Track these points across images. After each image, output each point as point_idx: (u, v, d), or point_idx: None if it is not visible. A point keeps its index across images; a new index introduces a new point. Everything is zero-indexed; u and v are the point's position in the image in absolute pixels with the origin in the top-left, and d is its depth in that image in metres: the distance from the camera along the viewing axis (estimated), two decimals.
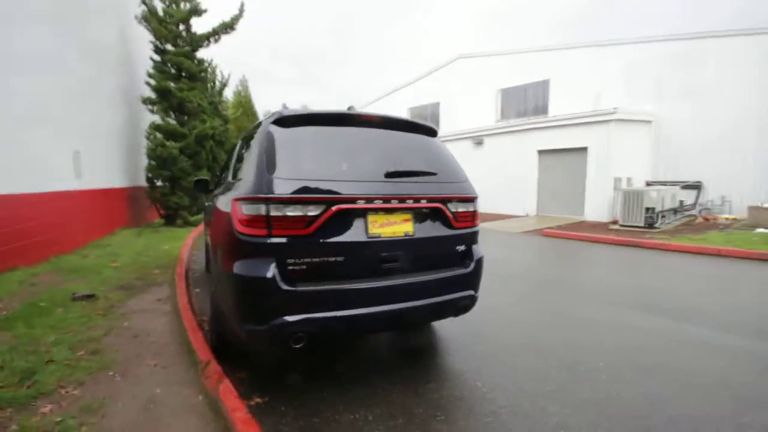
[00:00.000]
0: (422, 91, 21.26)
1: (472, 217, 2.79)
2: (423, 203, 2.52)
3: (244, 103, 30.15)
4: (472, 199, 2.78)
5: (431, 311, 2.55)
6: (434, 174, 2.63)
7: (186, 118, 9.54)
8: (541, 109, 16.94)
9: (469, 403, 2.36)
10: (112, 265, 5.67)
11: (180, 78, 9.34)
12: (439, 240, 2.62)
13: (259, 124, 2.79)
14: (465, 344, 3.23)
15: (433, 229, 2.59)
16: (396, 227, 2.43)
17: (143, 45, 9.78)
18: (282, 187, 2.17)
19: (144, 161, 9.43)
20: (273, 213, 2.15)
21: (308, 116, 2.52)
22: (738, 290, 4.96)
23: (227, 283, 2.36)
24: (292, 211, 2.18)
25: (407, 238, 2.45)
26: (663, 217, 10.57)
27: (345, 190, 2.30)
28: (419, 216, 2.53)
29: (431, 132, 2.95)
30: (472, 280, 2.75)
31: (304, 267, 2.21)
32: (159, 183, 9.41)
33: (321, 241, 2.23)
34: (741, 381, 2.62)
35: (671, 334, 3.45)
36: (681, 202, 12.22)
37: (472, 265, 2.74)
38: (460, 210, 2.69)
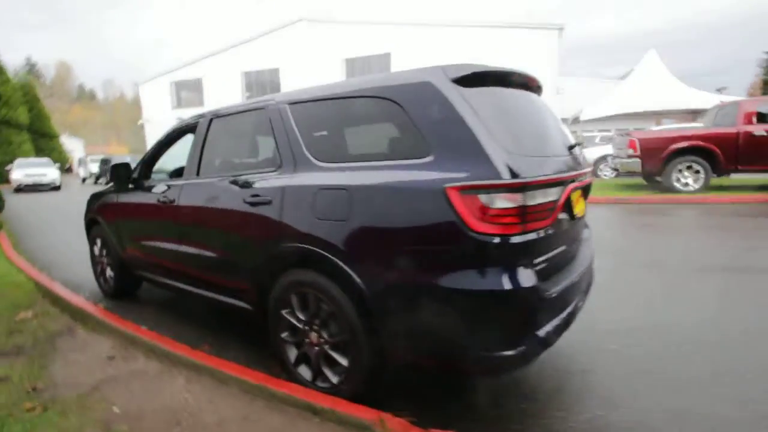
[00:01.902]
0: (259, 55, 19.12)
1: None
2: (589, 177, 2.37)
3: None
4: None
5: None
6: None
7: None
8: None
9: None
10: None
11: None
12: (587, 212, 2.53)
13: (385, 85, 2.01)
14: None
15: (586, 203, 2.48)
16: (580, 205, 2.22)
17: None
18: (529, 168, 1.67)
19: None
20: (529, 202, 1.64)
21: (485, 74, 1.95)
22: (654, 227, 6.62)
23: (443, 304, 1.72)
24: (541, 197, 1.72)
25: (583, 214, 2.28)
26: None
27: (561, 167, 1.94)
28: (582, 191, 2.37)
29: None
30: None
31: (546, 265, 1.80)
32: None
33: (555, 231, 1.85)
34: None
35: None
36: None
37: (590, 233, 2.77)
38: None
